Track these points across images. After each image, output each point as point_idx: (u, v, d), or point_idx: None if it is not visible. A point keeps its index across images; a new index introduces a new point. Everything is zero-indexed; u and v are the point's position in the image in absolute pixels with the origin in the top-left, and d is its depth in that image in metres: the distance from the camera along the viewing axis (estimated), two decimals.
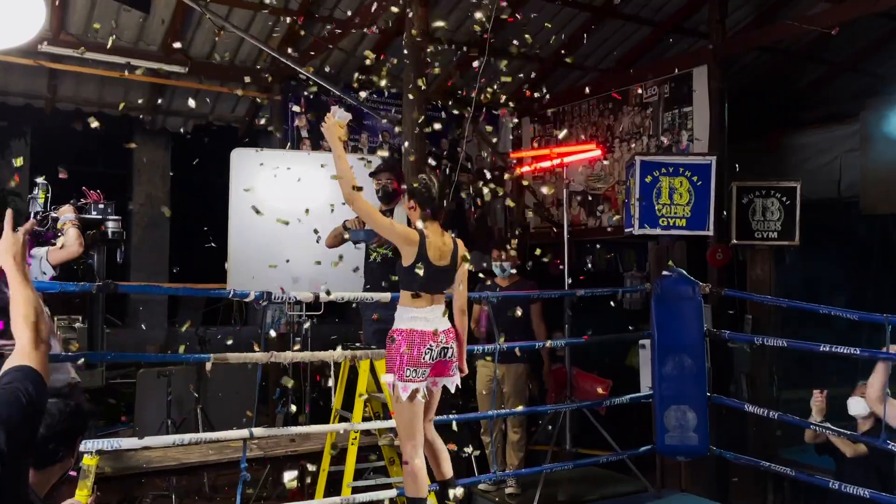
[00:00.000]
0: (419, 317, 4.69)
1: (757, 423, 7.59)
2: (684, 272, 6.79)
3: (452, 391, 4.95)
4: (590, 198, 10.70)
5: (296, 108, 9.79)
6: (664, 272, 6.84)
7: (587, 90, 10.01)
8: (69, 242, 4.83)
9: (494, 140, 11.69)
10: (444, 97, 10.40)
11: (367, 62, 6.67)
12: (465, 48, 9.55)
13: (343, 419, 5.76)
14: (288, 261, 7.33)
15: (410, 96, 7.05)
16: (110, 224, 5.31)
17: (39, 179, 5.22)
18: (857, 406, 6.03)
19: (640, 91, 10.12)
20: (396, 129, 9.52)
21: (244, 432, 4.84)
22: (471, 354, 6.90)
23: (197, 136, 11.08)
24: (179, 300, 11.39)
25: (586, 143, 9.93)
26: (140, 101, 10.34)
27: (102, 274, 5.67)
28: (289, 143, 10.04)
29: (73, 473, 4.28)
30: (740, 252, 8.51)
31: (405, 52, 7.19)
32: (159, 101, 10.53)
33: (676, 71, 9.53)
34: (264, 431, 5.06)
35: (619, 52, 10.88)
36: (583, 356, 8.18)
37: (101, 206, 5.35)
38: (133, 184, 11.36)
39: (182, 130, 11.08)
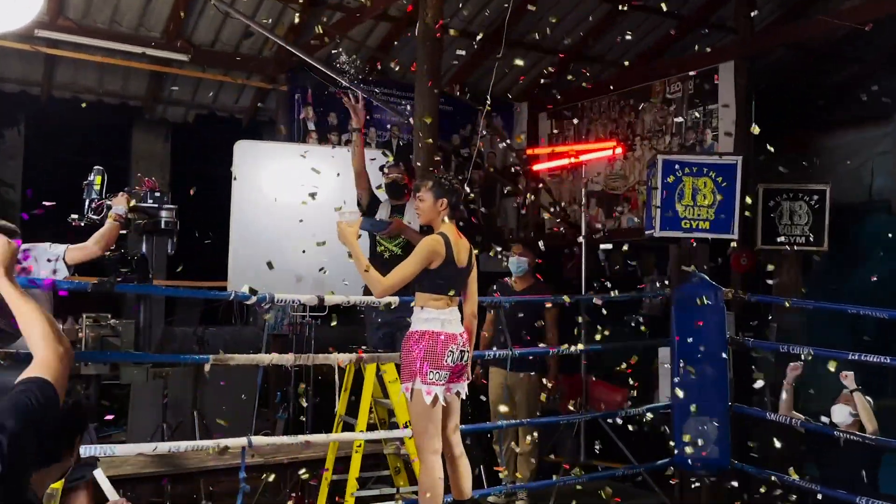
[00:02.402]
0: (440, 318, 4.68)
1: (781, 436, 7.52)
2: (706, 277, 6.74)
3: (463, 397, 4.92)
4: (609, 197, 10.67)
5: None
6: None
7: (611, 86, 9.98)
8: (90, 242, 4.75)
9: (507, 140, 11.64)
10: (456, 91, 10.36)
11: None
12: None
13: (347, 425, 5.72)
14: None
15: (423, 89, 7.00)
16: (164, 214, 5.27)
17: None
18: (840, 413, 6.07)
19: (663, 87, 10.08)
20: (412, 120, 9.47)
21: (242, 440, 4.80)
22: (483, 361, 6.89)
23: (198, 127, 11.06)
24: (178, 297, 11.35)
25: (606, 140, 9.88)
26: (140, 90, 10.35)
27: (153, 265, 5.63)
28: (294, 136, 10.04)
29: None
30: (766, 257, 8.45)
31: (418, 42, 7.14)
32: (160, 89, 10.51)
33: (702, 67, 9.48)
34: (264, 440, 5.01)
35: (642, 46, 10.82)
36: (599, 364, 8.13)
37: (156, 194, 5.31)
38: (131, 175, 11.34)
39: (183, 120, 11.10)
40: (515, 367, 6.52)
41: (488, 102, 7.04)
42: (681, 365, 6.60)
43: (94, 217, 4.99)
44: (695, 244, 7.29)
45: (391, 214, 6.46)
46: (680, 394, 6.57)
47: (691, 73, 9.64)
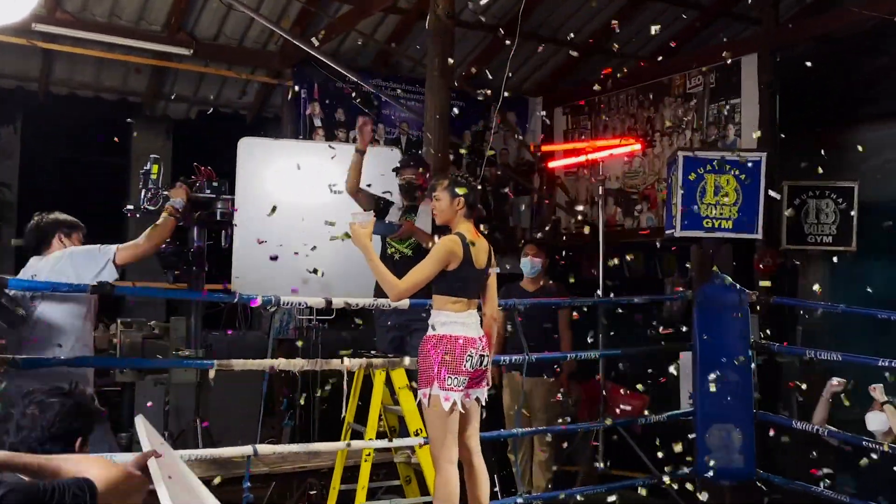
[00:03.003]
0: (458, 322, 4.65)
1: (808, 444, 7.47)
2: (730, 279, 6.70)
3: (483, 403, 4.90)
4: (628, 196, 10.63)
5: None
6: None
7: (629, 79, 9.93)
8: (141, 239, 4.68)
9: (521, 135, 11.60)
10: (468, 85, 10.34)
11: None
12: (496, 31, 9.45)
13: (356, 433, 5.71)
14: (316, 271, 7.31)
15: (434, 84, 6.98)
16: (220, 205, 5.24)
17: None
18: (876, 421, 6.02)
19: (683, 81, 10.04)
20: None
21: (247, 449, 4.79)
22: (497, 367, 6.86)
23: (201, 124, 11.05)
24: (179, 300, 11.32)
25: (624, 136, 9.84)
26: (140, 85, 10.35)
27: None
28: (300, 132, 10.02)
29: None
30: (791, 258, 8.39)
31: (429, 35, 7.12)
32: (161, 85, 10.51)
33: (723, 60, 9.43)
34: (269, 448, 5.00)
35: (662, 38, 10.76)
36: (618, 369, 8.10)
37: (214, 184, 5.29)
38: (132, 174, 11.33)
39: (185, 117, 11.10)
40: (530, 372, 6.48)
41: (501, 97, 6.98)
42: (702, 370, 6.57)
43: (151, 208, 4.98)
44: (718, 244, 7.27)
45: (403, 214, 6.46)
46: (702, 400, 6.53)
47: (713, 65, 9.60)
